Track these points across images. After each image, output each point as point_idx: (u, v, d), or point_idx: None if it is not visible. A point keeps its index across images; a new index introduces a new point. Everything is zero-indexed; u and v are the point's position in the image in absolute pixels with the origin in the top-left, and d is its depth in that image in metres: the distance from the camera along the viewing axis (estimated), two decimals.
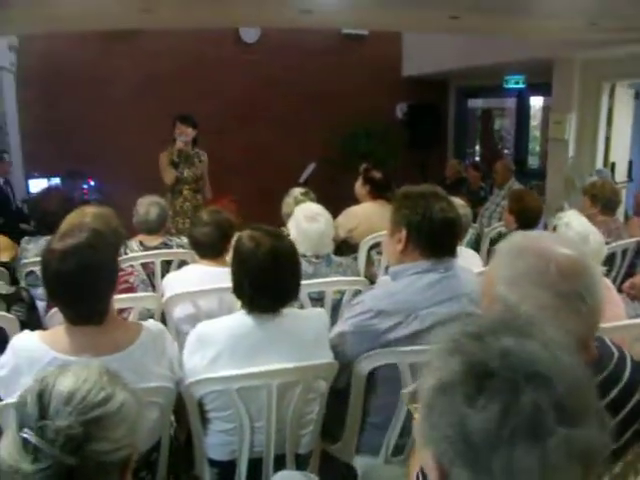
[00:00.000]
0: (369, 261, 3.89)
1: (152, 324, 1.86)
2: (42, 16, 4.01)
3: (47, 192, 3.57)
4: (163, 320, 2.56)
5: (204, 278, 2.68)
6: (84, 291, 1.65)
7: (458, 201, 3.37)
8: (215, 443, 1.96)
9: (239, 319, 1.91)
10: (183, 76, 7.65)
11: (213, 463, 1.99)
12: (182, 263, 3.27)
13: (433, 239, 2.04)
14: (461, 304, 2.04)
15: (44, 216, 3.32)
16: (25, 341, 1.70)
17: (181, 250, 3.35)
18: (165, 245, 3.40)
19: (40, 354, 1.65)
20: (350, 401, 2.11)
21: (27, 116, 7.48)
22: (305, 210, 3.01)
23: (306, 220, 2.89)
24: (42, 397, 0.95)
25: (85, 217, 2.31)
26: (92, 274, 1.65)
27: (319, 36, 7.90)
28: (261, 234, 1.90)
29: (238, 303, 2.55)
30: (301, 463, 2.07)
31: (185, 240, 3.48)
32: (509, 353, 0.73)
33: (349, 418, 2.14)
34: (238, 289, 1.92)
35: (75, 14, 4.17)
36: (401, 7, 4.69)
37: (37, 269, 3.19)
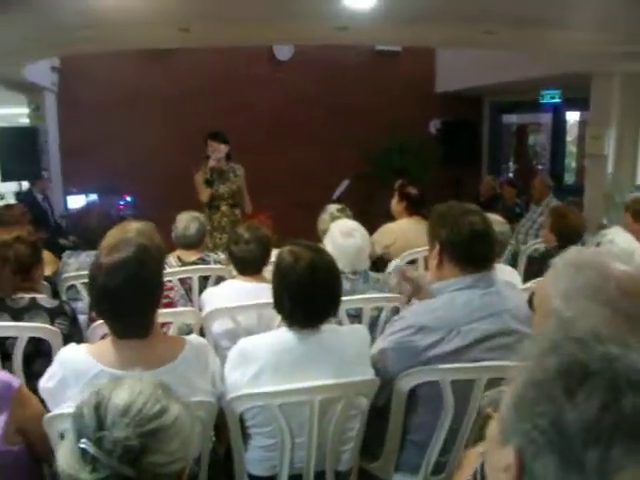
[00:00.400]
0: None
1: (195, 338, 1.87)
2: (87, 38, 4.13)
3: (87, 208, 3.65)
4: (201, 335, 2.58)
5: (242, 294, 2.69)
6: (131, 305, 1.67)
7: (497, 218, 3.34)
8: (255, 458, 1.95)
9: (280, 335, 1.91)
10: (217, 94, 7.78)
11: (253, 478, 1.98)
12: (219, 279, 3.30)
13: (464, 251, 2.05)
14: (503, 320, 2.02)
15: (85, 231, 3.38)
16: (72, 354, 1.73)
17: (218, 266, 3.37)
18: (202, 261, 3.42)
19: (87, 367, 1.68)
20: (390, 418, 2.09)
21: (66, 134, 7.69)
22: (341, 226, 3.01)
23: (342, 236, 2.89)
24: (99, 409, 0.96)
25: (128, 232, 2.35)
26: (139, 288, 1.67)
27: (352, 53, 7.96)
28: (301, 249, 1.90)
29: (277, 319, 2.57)
30: None
31: (222, 256, 3.51)
32: (611, 358, 0.73)
33: (389, 436, 2.12)
34: (278, 304, 1.93)
35: (118, 35, 4.28)
36: (435, 23, 4.70)
37: (78, 283, 3.25)
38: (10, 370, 2.38)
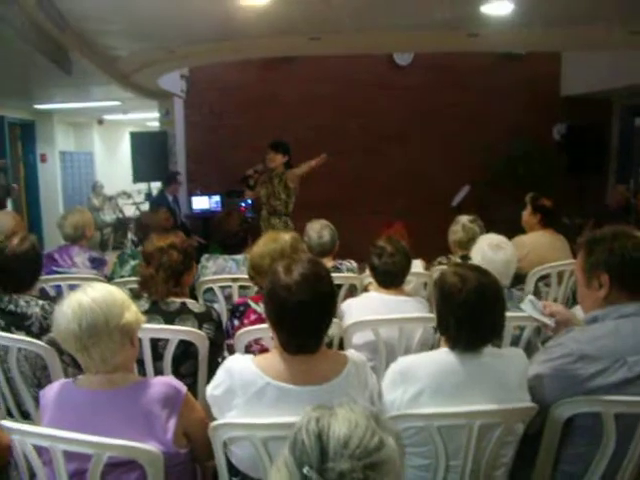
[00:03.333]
0: (537, 293, 3.73)
1: (355, 354, 1.88)
2: (224, 49, 4.30)
3: (228, 213, 3.79)
4: (340, 346, 2.60)
5: (382, 306, 2.70)
6: (311, 321, 1.71)
7: None
8: (408, 478, 1.94)
9: (442, 356, 1.88)
10: (337, 98, 7.86)
11: None
12: (351, 288, 3.32)
13: (635, 276, 1.95)
14: None
15: (226, 236, 3.52)
16: (239, 365, 1.79)
17: (351, 274, 3.40)
18: (336, 269, 3.46)
19: (254, 378, 1.73)
20: (542, 447, 2.01)
21: (191, 138, 8.07)
22: (488, 239, 3.01)
23: (491, 249, 2.86)
24: (321, 438, 0.99)
25: (280, 241, 2.43)
26: (319, 303, 1.71)
27: (474, 56, 7.77)
28: (466, 270, 1.88)
29: (418, 333, 2.55)
30: None
31: (354, 264, 3.53)
32: None
33: (539, 464, 2.04)
34: (443, 325, 1.90)
35: (251, 45, 4.42)
36: (573, 25, 4.49)
37: (215, 286, 3.38)
38: (160, 370, 2.52)
